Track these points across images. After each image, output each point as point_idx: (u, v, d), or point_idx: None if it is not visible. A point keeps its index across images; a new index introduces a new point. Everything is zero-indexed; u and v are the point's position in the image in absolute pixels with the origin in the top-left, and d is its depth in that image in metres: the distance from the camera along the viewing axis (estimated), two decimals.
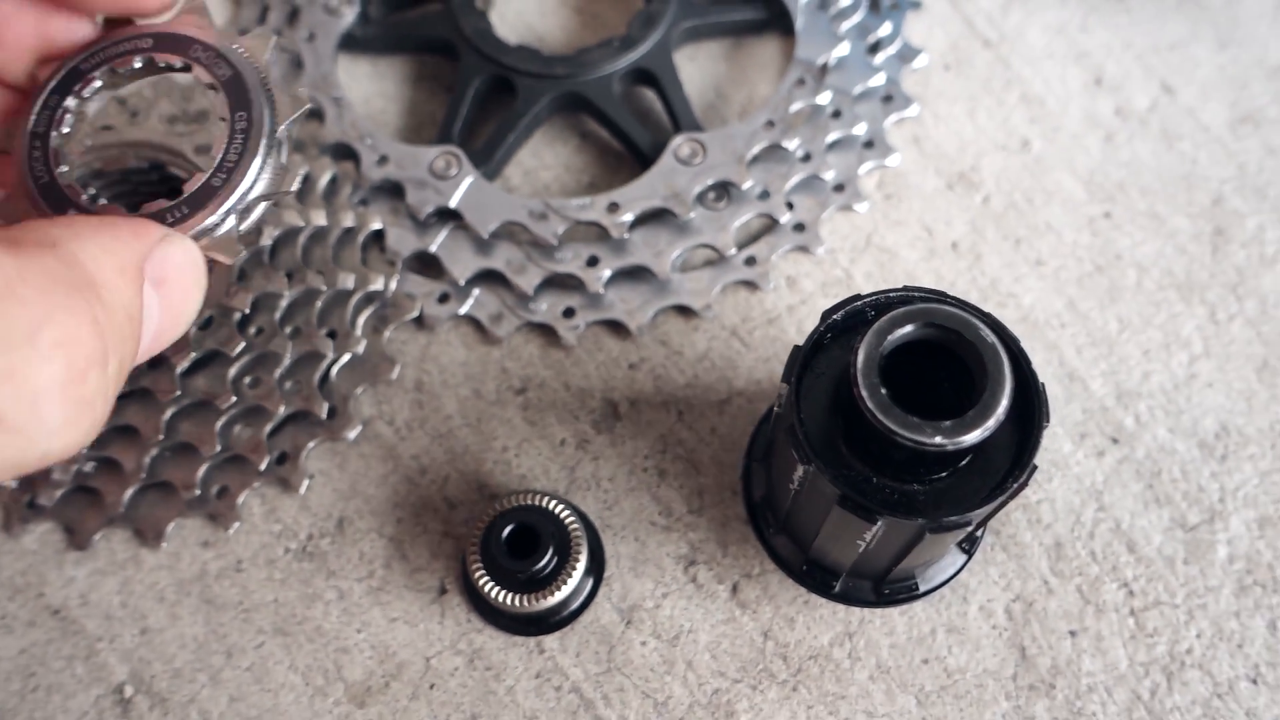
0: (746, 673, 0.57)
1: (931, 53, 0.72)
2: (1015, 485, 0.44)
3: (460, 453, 0.62)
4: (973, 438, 0.41)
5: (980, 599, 0.58)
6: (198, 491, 0.59)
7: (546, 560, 0.54)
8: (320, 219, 0.63)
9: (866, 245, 0.67)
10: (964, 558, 0.56)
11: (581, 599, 0.58)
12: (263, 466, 0.60)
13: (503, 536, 0.55)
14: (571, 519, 0.56)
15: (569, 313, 0.64)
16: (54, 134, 0.42)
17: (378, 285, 0.64)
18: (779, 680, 0.57)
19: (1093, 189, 0.68)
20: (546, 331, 0.65)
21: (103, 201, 0.41)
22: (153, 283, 0.35)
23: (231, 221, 0.41)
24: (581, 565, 0.55)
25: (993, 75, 0.72)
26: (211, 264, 0.40)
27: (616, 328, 0.65)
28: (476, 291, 0.65)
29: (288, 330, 0.61)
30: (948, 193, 0.68)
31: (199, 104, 0.65)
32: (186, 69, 0.43)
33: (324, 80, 0.68)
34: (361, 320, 0.63)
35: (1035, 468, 0.45)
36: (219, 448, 0.59)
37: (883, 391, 0.42)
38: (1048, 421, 0.46)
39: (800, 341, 0.48)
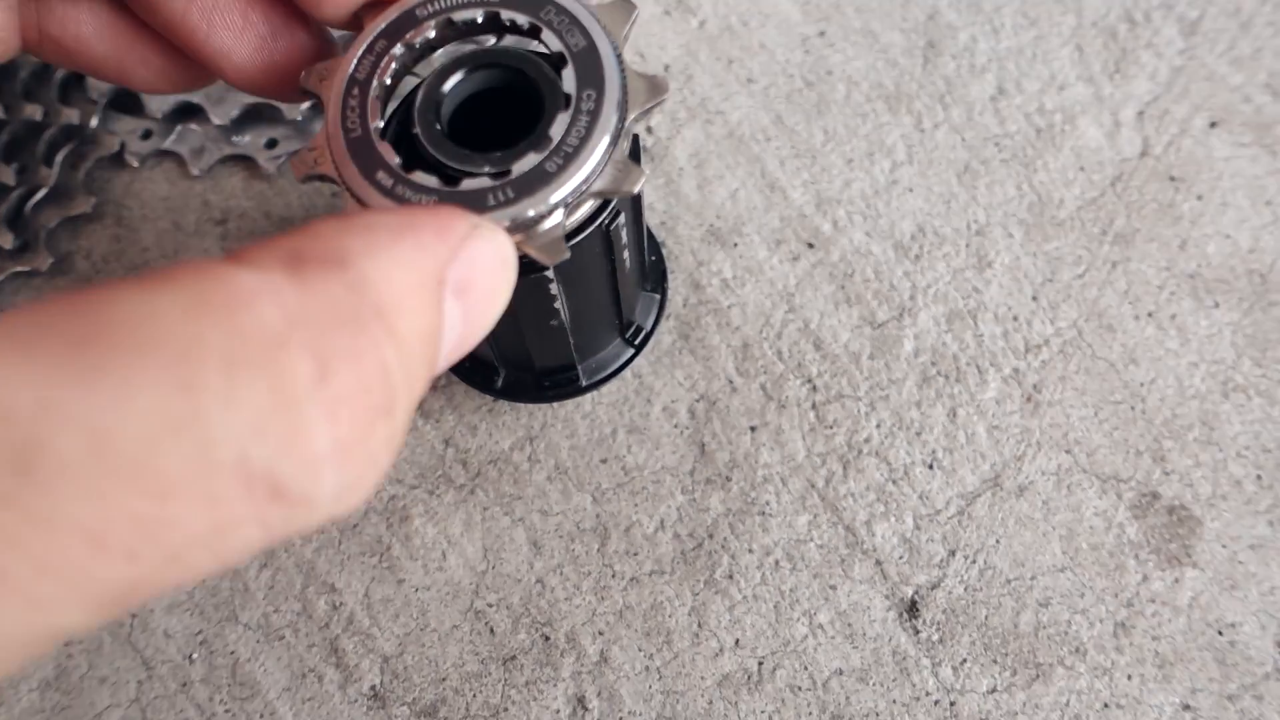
0: (424, 479, 0.56)
1: None
2: (600, 220, 0.44)
3: None
4: (524, 165, 0.40)
5: (664, 400, 0.57)
6: None
7: None
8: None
9: None
10: (630, 350, 0.56)
11: None
12: None
13: None
14: None
15: (271, 144, 0.64)
16: (374, 83, 0.37)
17: (73, 120, 0.63)
18: (456, 485, 0.56)
19: (809, 9, 0.67)
20: (248, 163, 0.64)
21: (416, 170, 0.36)
22: (455, 291, 0.29)
23: (559, 216, 0.36)
24: None
25: None
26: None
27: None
28: (180, 127, 0.64)
29: None
30: (664, 18, 0.67)
31: None
32: (534, 32, 0.38)
33: None
34: (60, 157, 0.62)
35: (619, 212, 0.44)
36: None
37: (437, 127, 0.41)
38: (639, 164, 0.45)
39: None
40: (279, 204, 0.63)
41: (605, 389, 0.57)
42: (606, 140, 0.37)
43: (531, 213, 0.36)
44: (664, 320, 0.58)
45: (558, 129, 0.38)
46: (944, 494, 0.55)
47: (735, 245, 0.60)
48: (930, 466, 0.55)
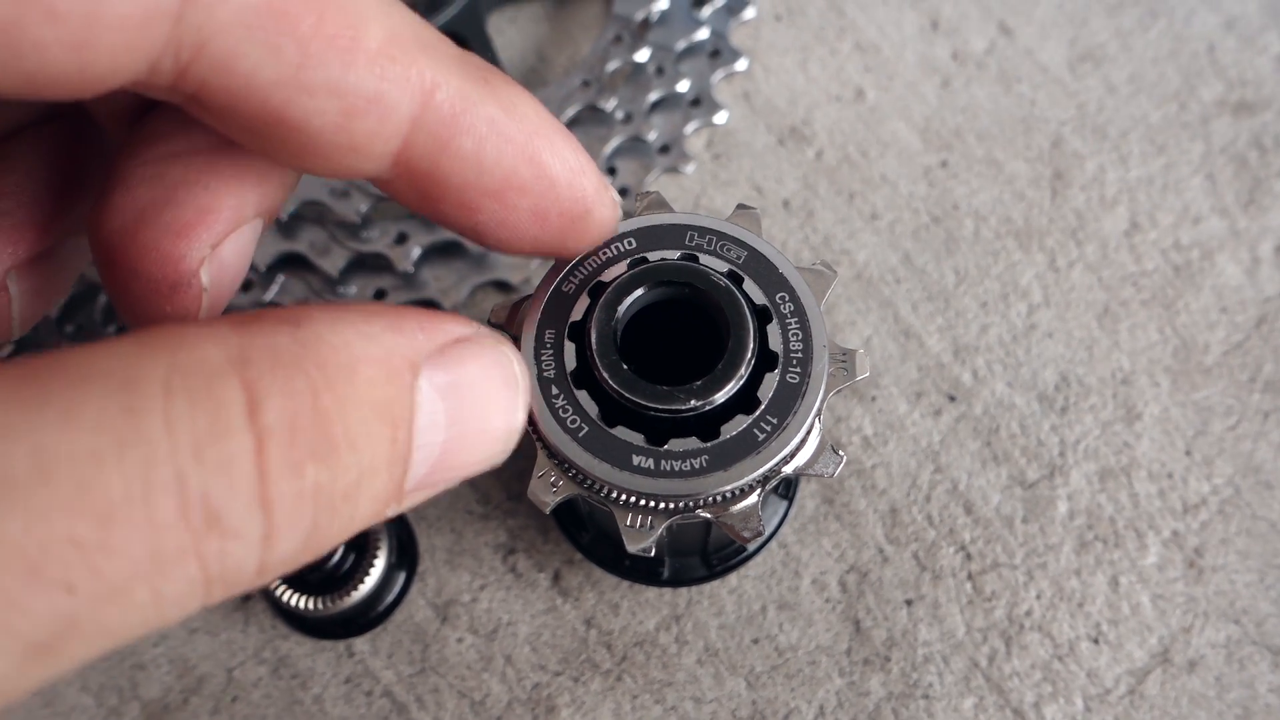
0: (568, 664, 0.54)
1: (761, 3, 0.69)
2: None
3: None
4: (725, 393, 0.37)
5: (813, 572, 0.55)
6: None
7: (339, 557, 0.51)
8: None
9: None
10: (784, 504, 0.53)
11: (391, 597, 0.54)
12: None
13: None
14: None
15: (380, 294, 0.61)
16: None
17: None
18: (602, 670, 0.54)
19: (929, 137, 0.65)
20: None
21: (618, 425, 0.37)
22: (437, 388, 0.27)
23: (756, 495, 0.38)
24: (381, 561, 0.52)
25: (825, 24, 0.68)
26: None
27: (431, 308, 0.61)
28: (281, 278, 0.61)
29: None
30: (779, 149, 0.65)
31: None
32: (735, 280, 0.40)
33: None
34: None
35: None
36: None
37: (625, 368, 0.38)
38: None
39: None
40: None
41: (751, 562, 0.55)
42: (815, 408, 0.37)
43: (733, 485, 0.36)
44: (806, 483, 0.56)
45: (765, 390, 0.37)
46: (1112, 671, 0.53)
47: (874, 399, 0.58)
48: (1096, 641, 0.53)
